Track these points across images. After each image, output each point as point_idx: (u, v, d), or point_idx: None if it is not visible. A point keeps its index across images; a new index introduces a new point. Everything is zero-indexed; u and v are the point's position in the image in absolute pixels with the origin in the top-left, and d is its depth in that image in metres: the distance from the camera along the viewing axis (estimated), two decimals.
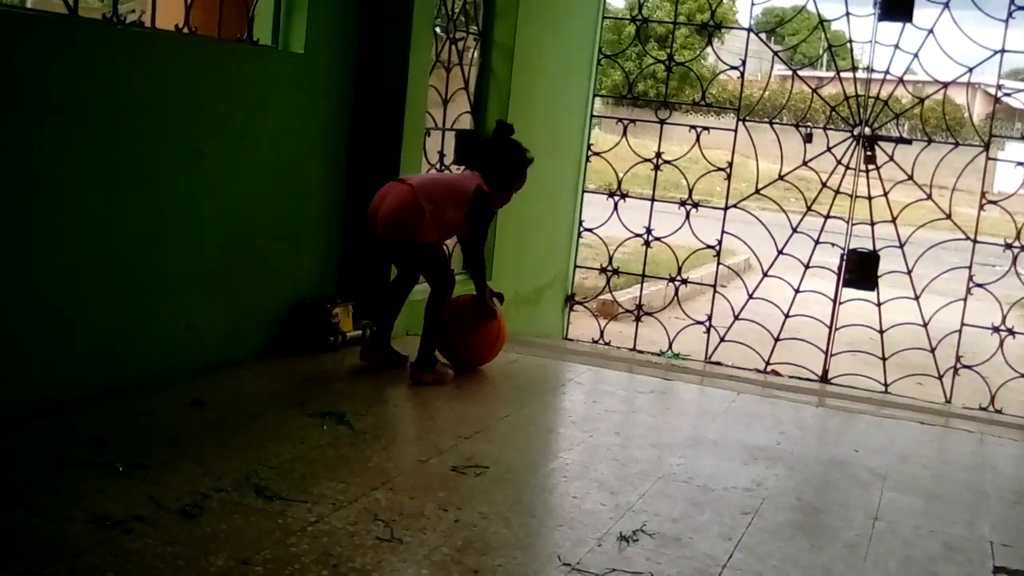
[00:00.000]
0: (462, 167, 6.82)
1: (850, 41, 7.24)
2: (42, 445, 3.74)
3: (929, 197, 6.93)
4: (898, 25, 6.89)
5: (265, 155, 5.10)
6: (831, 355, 6.98)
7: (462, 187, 5.27)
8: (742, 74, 7.47)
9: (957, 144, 7.01)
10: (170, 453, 3.77)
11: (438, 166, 6.60)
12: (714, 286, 7.29)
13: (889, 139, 7.13)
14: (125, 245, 4.37)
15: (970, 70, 6.89)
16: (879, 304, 6.99)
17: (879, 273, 6.97)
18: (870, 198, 6.99)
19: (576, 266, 8.06)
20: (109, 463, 3.58)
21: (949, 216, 6.88)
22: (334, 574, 2.99)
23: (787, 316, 7.09)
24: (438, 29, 6.40)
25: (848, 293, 7.05)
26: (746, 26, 7.39)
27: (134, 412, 4.19)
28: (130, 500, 3.32)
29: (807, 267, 7.09)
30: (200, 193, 4.72)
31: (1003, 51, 6.67)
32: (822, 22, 7.18)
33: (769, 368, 7.02)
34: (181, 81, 4.55)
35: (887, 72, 7.04)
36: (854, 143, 7.08)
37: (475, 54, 6.92)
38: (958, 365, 6.78)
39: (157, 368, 4.59)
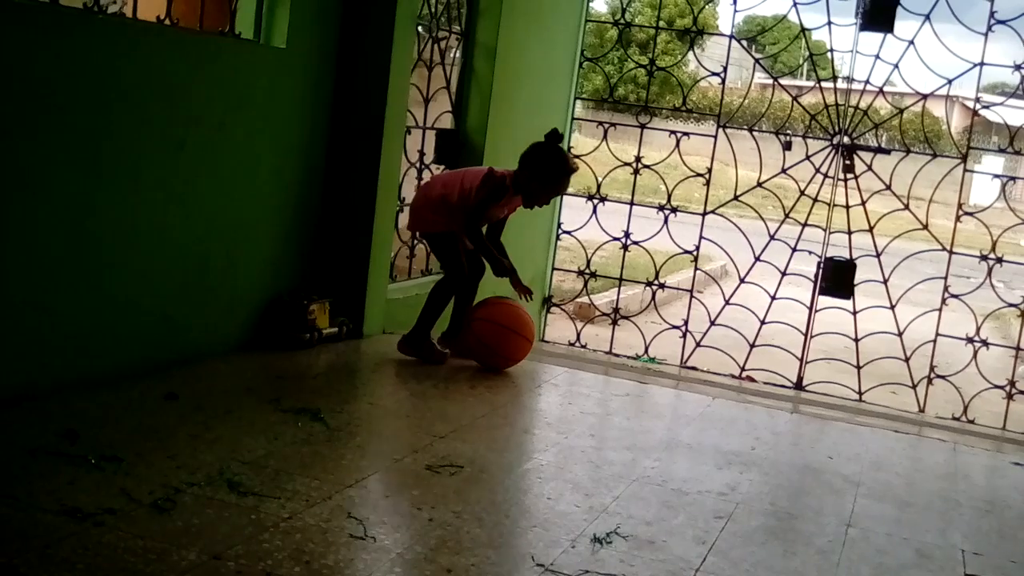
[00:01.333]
0: (442, 166, 6.83)
1: (831, 50, 7.27)
2: (14, 435, 3.70)
3: (906, 207, 6.96)
4: (879, 35, 6.92)
5: (245, 148, 5.08)
6: (806, 362, 7.01)
7: (476, 171, 5.63)
8: (723, 81, 7.49)
9: (935, 155, 7.05)
10: (143, 446, 3.74)
11: (418, 165, 6.59)
12: (691, 291, 7.30)
13: (868, 149, 7.17)
14: (102, 235, 4.33)
15: (949, 82, 6.93)
16: (855, 313, 7.02)
17: (855, 282, 7.00)
18: (848, 207, 7.02)
19: (554, 268, 8.05)
20: (81, 455, 3.55)
21: (926, 227, 6.91)
22: (306, 571, 2.97)
23: (763, 323, 7.11)
24: (420, 28, 6.39)
25: (824, 301, 7.08)
26: (728, 33, 7.41)
27: (108, 404, 4.16)
28: (102, 492, 3.29)
29: (784, 274, 7.12)
30: (178, 185, 4.69)
31: (982, 64, 6.71)
32: (804, 31, 7.23)
33: (744, 374, 7.04)
34: (162, 72, 4.52)
35: (867, 82, 7.07)
36: (833, 152, 7.11)
37: (457, 54, 6.92)
38: (932, 375, 6.82)
39: (132, 360, 4.56)
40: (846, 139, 7.11)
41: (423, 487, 3.75)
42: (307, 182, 5.56)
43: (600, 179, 7.45)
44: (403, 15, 5.66)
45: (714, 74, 7.52)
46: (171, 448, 3.76)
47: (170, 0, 4.60)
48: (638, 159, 7.32)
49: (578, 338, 7.44)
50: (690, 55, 8.21)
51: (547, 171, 5.52)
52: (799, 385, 6.95)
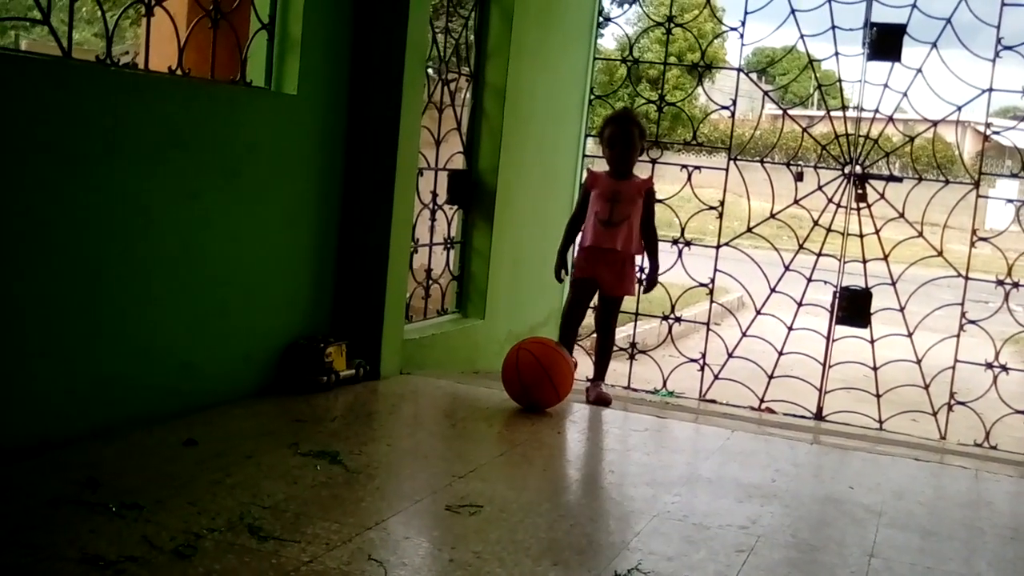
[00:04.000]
0: (455, 206, 6.86)
1: (840, 80, 7.31)
2: (35, 484, 3.72)
3: (920, 235, 6.96)
4: (887, 64, 6.95)
5: (259, 195, 5.11)
6: (825, 392, 6.98)
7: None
8: (733, 114, 7.52)
9: (947, 182, 7.06)
10: (164, 493, 3.75)
11: (431, 206, 6.63)
12: (707, 324, 7.30)
13: (880, 177, 7.18)
14: (118, 284, 4.37)
15: (959, 108, 6.94)
16: (872, 341, 7.01)
17: (872, 310, 6.99)
18: (862, 236, 7.02)
19: None
20: (102, 503, 3.56)
21: (940, 253, 6.91)
22: None
23: (781, 353, 7.10)
24: (430, 70, 6.44)
25: (841, 330, 7.07)
26: (736, 66, 7.44)
27: (128, 451, 4.18)
28: (123, 540, 3.30)
29: (800, 305, 7.11)
30: (194, 232, 4.73)
31: (991, 90, 6.73)
32: (812, 62, 7.24)
33: (763, 406, 7.02)
34: (174, 122, 4.57)
35: (877, 111, 7.09)
36: (845, 181, 7.12)
37: (467, 95, 6.96)
38: (952, 401, 6.79)
39: (151, 407, 4.58)
40: (858, 168, 7.12)
41: (443, 528, 3.75)
42: (321, 225, 5.60)
43: None
44: (412, 58, 5.71)
45: (724, 107, 7.55)
46: (191, 494, 3.77)
47: (181, 50, 4.67)
48: None
49: None
50: (700, 89, 8.24)
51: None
52: (819, 415, 6.92)
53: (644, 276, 6.37)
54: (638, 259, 6.28)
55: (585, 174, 6.25)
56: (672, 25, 7.56)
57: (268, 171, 5.16)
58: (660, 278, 7.12)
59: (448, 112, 6.74)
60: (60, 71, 4.07)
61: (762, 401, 7.04)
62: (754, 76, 7.73)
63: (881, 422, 6.82)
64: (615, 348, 6.52)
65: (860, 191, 7.12)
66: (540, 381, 5.52)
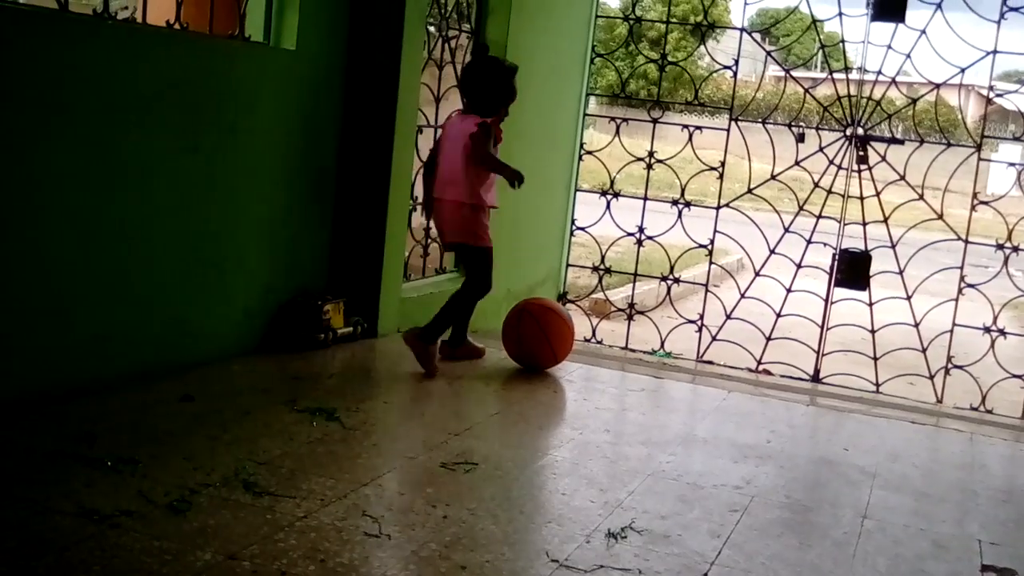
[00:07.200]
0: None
1: (843, 41, 7.24)
2: (31, 439, 3.73)
3: (921, 197, 6.93)
4: (891, 25, 6.90)
5: (257, 150, 5.09)
6: (822, 355, 6.99)
7: (466, 140, 5.28)
8: (735, 74, 7.47)
9: (949, 145, 7.02)
10: (159, 448, 3.76)
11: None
12: (706, 285, 7.29)
13: (881, 139, 7.14)
14: (116, 240, 4.36)
15: (962, 71, 6.89)
16: (871, 304, 7.00)
17: (871, 273, 6.98)
18: (862, 198, 7.00)
19: (568, 264, 8.06)
20: (98, 458, 3.57)
21: (941, 216, 6.88)
22: (321, 569, 2.98)
23: (779, 315, 7.10)
24: (431, 27, 6.40)
25: (840, 293, 7.06)
26: (740, 26, 7.39)
27: (124, 407, 4.18)
28: (118, 495, 3.31)
29: (799, 267, 7.09)
30: (191, 188, 4.72)
31: (995, 52, 6.68)
32: (815, 22, 7.18)
33: (760, 367, 7.02)
34: (173, 77, 4.54)
35: (879, 72, 7.04)
36: (846, 143, 7.09)
37: (468, 52, 6.91)
38: (949, 365, 6.79)
39: (147, 363, 4.58)
40: (859, 130, 7.08)
41: (437, 485, 3.76)
42: (320, 183, 5.58)
43: (614, 175, 7.44)
44: (412, 14, 5.67)
45: (726, 67, 7.50)
46: (187, 450, 3.78)
47: (179, 4, 4.63)
48: (651, 154, 7.31)
49: (593, 334, 7.44)
50: (703, 49, 8.19)
51: (501, 81, 5.43)
52: (816, 378, 6.93)
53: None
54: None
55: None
56: None
57: (266, 126, 5.14)
58: (660, 238, 7.12)
59: (448, 69, 6.69)
60: (57, 24, 4.03)
61: (759, 363, 7.05)
62: (757, 37, 7.67)
63: (878, 385, 6.82)
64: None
65: (861, 153, 7.08)
66: (539, 343, 5.53)
